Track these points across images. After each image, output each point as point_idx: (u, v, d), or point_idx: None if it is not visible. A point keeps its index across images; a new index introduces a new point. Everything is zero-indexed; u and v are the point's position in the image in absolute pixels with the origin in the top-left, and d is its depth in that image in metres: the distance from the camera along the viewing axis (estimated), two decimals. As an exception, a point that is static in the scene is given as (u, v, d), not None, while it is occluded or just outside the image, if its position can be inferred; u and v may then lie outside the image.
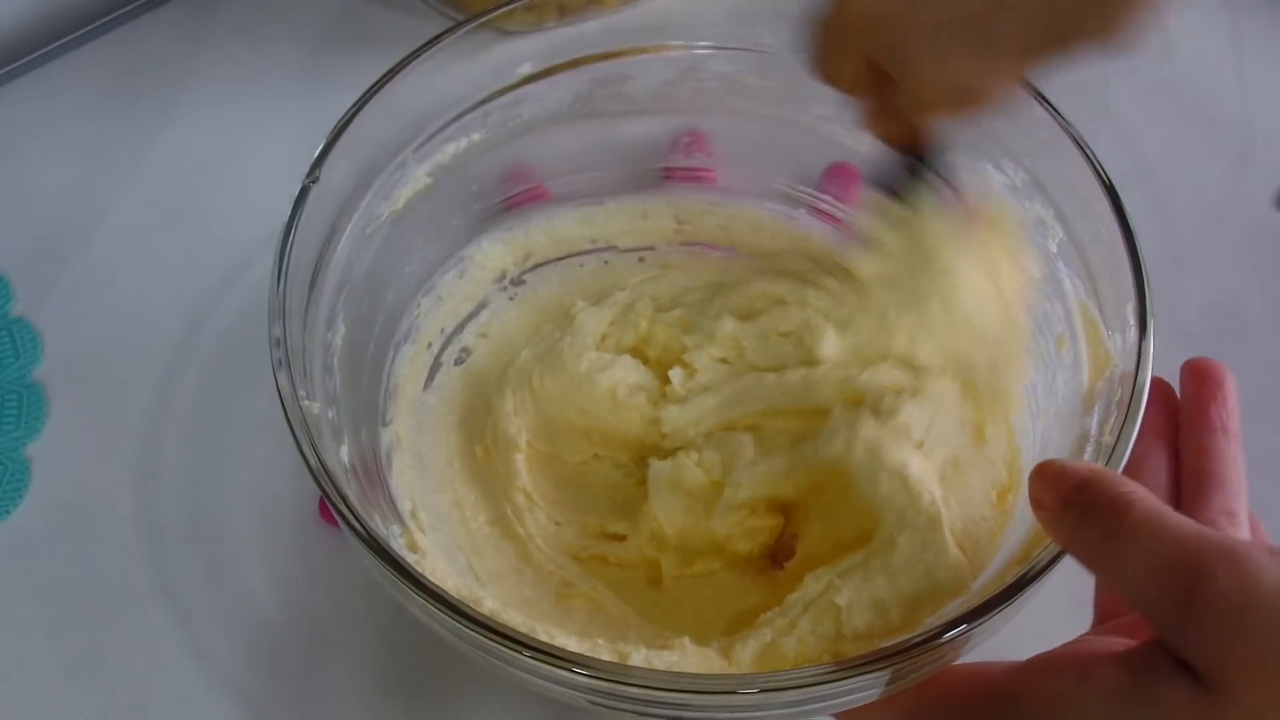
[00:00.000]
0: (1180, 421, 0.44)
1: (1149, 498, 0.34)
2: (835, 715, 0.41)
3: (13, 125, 0.69)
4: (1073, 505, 0.35)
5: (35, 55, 0.71)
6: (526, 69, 0.53)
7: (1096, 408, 0.44)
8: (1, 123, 0.69)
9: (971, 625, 0.36)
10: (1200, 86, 0.70)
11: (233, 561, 0.53)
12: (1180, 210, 0.64)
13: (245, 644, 0.51)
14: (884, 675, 0.36)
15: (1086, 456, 0.42)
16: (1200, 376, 0.44)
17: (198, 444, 0.57)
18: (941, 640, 0.36)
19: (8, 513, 0.55)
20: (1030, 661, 0.36)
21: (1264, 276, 0.63)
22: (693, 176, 0.59)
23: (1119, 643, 0.35)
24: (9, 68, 0.71)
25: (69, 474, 0.56)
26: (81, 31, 0.72)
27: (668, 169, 0.59)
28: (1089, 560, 0.35)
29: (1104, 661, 0.34)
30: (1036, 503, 0.37)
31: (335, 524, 0.52)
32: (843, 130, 0.54)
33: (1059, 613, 0.43)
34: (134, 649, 0.51)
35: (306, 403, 0.42)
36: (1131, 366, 0.42)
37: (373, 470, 0.48)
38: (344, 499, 0.39)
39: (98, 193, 0.66)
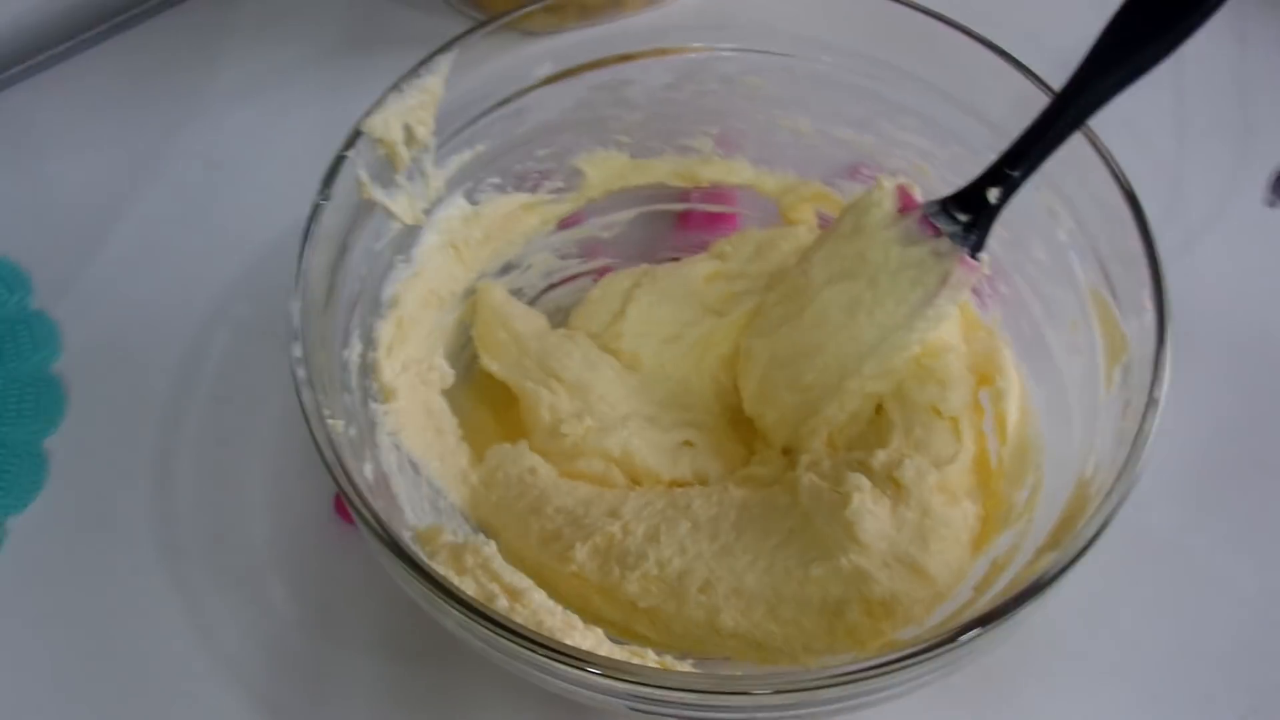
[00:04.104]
0: None
1: None
2: None
3: (34, 121, 0.69)
4: None
5: (56, 51, 0.71)
6: (545, 70, 0.53)
7: (1115, 392, 0.44)
8: (22, 118, 0.69)
9: (986, 628, 0.36)
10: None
11: (248, 556, 0.53)
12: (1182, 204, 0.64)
13: (259, 639, 0.51)
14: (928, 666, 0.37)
15: (1107, 443, 0.43)
16: None
17: (214, 438, 0.57)
18: (957, 643, 0.36)
19: (25, 505, 0.55)
20: None
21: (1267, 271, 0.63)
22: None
23: None
24: (30, 63, 0.71)
25: (86, 467, 0.56)
26: (103, 28, 0.72)
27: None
28: None
29: None
30: None
31: (350, 520, 0.53)
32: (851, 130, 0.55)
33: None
34: (147, 642, 0.52)
35: (331, 421, 0.42)
36: (1150, 350, 0.42)
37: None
38: (375, 517, 0.39)
39: (117, 188, 0.66)
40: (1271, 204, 0.61)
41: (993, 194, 0.46)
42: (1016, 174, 0.46)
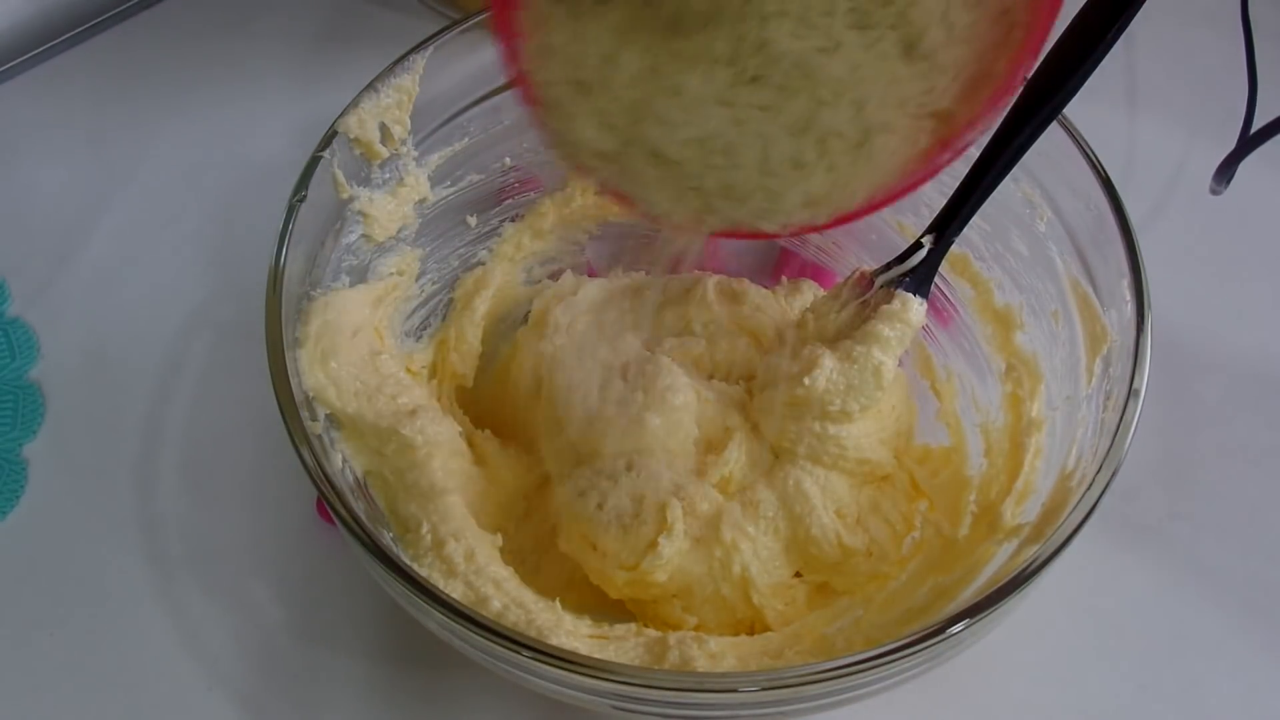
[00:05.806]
0: None
1: None
2: None
3: (8, 125, 0.69)
4: None
5: (30, 55, 0.71)
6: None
7: (1095, 384, 0.44)
8: (-3, 122, 0.69)
9: (971, 620, 0.36)
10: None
11: (231, 560, 0.53)
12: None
13: (243, 642, 0.51)
14: (914, 660, 0.37)
15: (1089, 434, 0.43)
16: None
17: (194, 443, 0.57)
18: (943, 635, 0.36)
19: (5, 514, 0.55)
20: None
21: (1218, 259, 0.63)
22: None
23: None
24: (4, 67, 0.71)
25: (66, 474, 0.56)
26: (77, 30, 0.72)
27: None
28: None
29: None
30: None
31: (333, 522, 0.52)
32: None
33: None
34: (132, 649, 0.51)
35: (310, 423, 0.42)
36: (1130, 341, 0.42)
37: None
38: (355, 519, 0.39)
39: (94, 192, 0.66)
40: (1217, 192, 0.61)
41: (926, 240, 0.46)
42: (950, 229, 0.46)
